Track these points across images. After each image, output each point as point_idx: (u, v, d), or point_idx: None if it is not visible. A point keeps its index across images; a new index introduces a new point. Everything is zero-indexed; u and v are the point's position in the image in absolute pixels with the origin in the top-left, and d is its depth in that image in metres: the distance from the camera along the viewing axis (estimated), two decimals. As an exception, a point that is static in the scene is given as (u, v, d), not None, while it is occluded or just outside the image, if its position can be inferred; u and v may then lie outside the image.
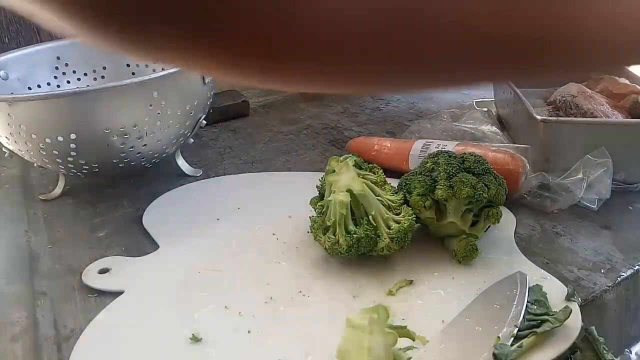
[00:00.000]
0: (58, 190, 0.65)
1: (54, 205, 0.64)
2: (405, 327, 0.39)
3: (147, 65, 0.77)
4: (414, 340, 0.39)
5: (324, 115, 0.94)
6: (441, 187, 0.48)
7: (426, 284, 0.47)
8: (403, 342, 0.38)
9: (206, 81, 0.61)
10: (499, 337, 0.38)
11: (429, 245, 0.52)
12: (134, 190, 0.66)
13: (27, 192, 0.68)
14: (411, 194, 0.50)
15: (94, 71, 0.75)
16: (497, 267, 0.49)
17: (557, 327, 0.39)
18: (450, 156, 0.51)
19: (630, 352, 0.52)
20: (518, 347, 0.38)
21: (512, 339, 0.38)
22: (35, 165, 0.61)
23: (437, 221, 0.51)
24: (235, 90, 0.99)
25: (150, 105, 0.56)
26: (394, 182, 0.54)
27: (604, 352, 0.40)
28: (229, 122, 0.91)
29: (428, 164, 0.52)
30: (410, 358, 0.37)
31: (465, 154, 0.52)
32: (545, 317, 0.40)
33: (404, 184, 0.52)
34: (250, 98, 0.99)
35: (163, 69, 0.59)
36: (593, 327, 0.41)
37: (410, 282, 0.47)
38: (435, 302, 0.44)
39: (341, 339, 0.36)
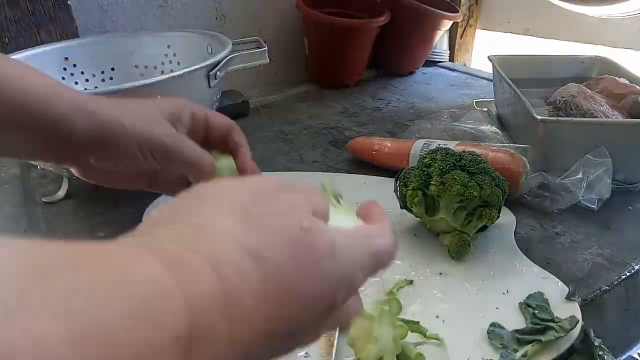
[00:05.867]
0: (62, 192, 0.65)
1: (54, 205, 0.64)
2: (418, 322, 0.39)
3: (155, 67, 0.77)
4: (425, 336, 0.39)
5: (324, 115, 0.94)
6: (434, 182, 0.49)
7: (426, 284, 0.47)
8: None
9: (212, 84, 0.61)
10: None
11: (429, 245, 0.52)
12: (134, 190, 0.66)
13: (27, 193, 0.68)
14: (407, 187, 0.51)
15: (102, 72, 0.75)
16: (497, 266, 0.49)
17: (563, 336, 0.39)
18: (447, 153, 0.51)
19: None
20: (523, 356, 0.38)
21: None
22: (38, 167, 0.61)
23: (430, 217, 0.51)
24: (235, 90, 0.99)
25: (153, 108, 0.55)
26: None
27: (602, 354, 0.40)
28: (229, 122, 0.91)
29: (426, 160, 0.52)
30: (420, 353, 0.37)
31: (464, 152, 0.52)
32: (550, 323, 0.40)
33: (403, 177, 0.52)
34: (250, 98, 0.99)
35: (172, 71, 0.59)
36: (591, 330, 0.41)
37: (411, 282, 0.47)
38: (436, 302, 0.44)
39: (353, 326, 0.37)
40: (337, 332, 0.41)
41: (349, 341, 0.37)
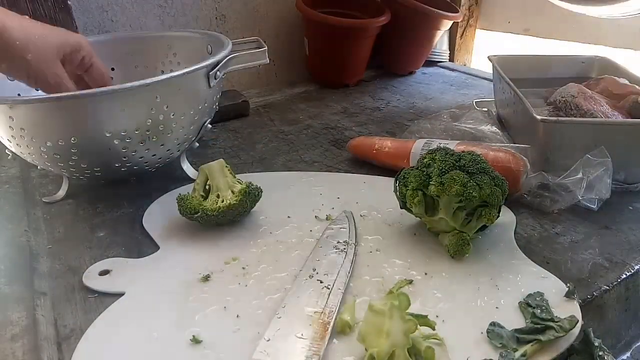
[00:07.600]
0: (62, 192, 0.65)
1: (54, 205, 0.64)
2: (426, 316, 0.39)
3: (155, 67, 0.77)
4: (433, 329, 0.39)
5: (324, 115, 0.94)
6: (433, 183, 0.49)
7: (426, 283, 0.47)
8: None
9: (212, 84, 0.61)
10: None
11: (429, 245, 0.52)
12: (134, 190, 0.66)
13: (27, 192, 0.68)
14: (407, 187, 0.51)
15: (102, 72, 0.75)
16: (497, 266, 0.49)
17: (562, 336, 0.39)
18: (447, 153, 0.51)
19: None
20: (522, 355, 0.38)
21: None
22: (38, 167, 0.61)
23: (430, 217, 0.51)
24: (235, 90, 0.99)
25: (152, 109, 0.55)
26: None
27: (602, 354, 0.40)
28: (229, 122, 0.91)
29: (425, 160, 0.52)
30: (430, 346, 0.37)
31: (464, 152, 0.52)
32: (550, 323, 0.40)
33: (403, 177, 0.52)
34: (250, 98, 0.99)
35: (172, 71, 0.59)
36: (590, 330, 0.41)
37: (410, 281, 0.47)
38: (436, 302, 0.44)
39: (362, 322, 0.37)
40: (333, 318, 0.41)
41: (359, 337, 0.37)
